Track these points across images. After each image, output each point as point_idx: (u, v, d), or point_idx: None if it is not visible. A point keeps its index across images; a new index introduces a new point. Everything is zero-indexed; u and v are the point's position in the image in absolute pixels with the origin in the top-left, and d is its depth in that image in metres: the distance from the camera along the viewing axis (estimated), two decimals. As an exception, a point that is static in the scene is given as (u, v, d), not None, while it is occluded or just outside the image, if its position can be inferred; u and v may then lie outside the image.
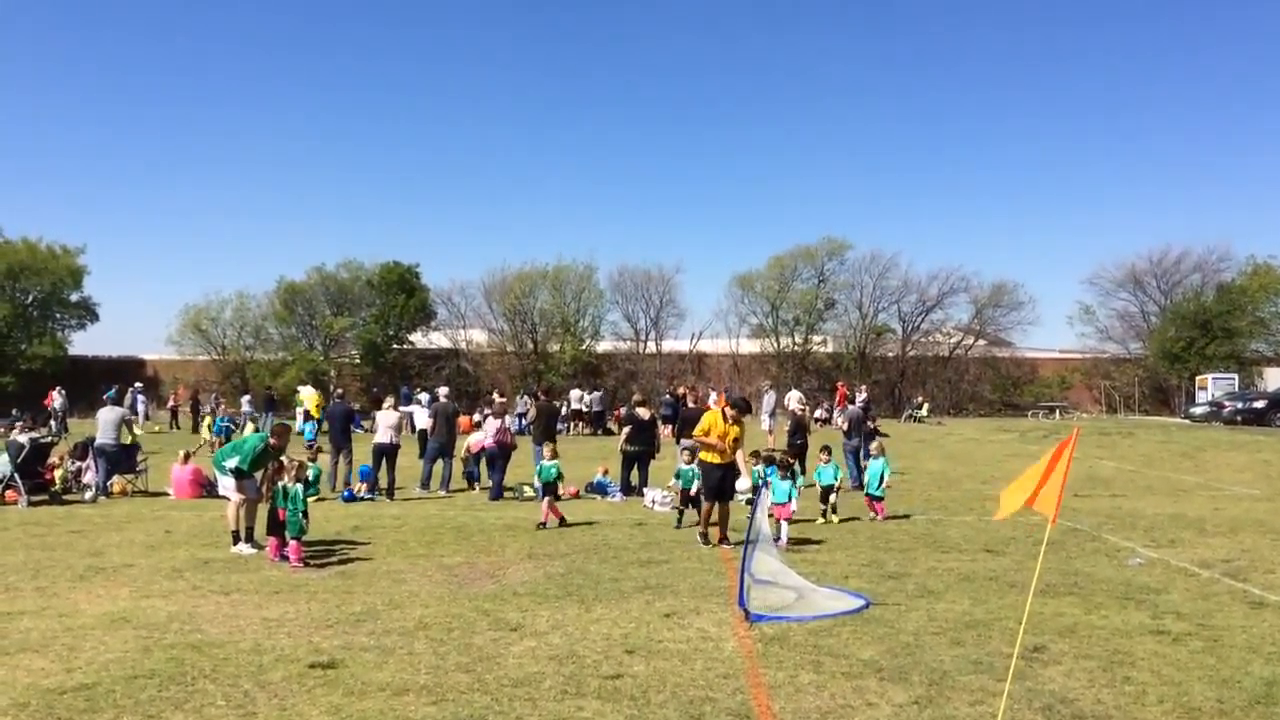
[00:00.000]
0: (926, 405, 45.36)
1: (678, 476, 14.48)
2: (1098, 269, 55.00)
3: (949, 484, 19.24)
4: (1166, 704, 6.32)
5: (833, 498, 14.40)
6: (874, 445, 15.71)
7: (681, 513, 14.02)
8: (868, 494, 14.85)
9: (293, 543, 11.04)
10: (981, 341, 53.41)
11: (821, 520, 14.10)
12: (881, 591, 9.58)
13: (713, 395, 33.55)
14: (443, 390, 23.53)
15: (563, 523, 13.77)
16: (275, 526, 11.29)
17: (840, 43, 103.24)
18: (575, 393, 37.14)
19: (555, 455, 14.64)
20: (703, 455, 12.48)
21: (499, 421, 18.49)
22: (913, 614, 8.67)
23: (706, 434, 12.34)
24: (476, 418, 20.73)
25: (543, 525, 13.64)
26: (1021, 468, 21.98)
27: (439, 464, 18.53)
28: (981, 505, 16.03)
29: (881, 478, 14.67)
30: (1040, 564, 5.92)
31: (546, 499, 13.94)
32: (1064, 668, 7.08)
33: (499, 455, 17.84)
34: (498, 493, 17.39)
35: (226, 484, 12.43)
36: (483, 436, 19.00)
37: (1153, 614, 8.68)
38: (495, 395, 23.91)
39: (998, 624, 8.30)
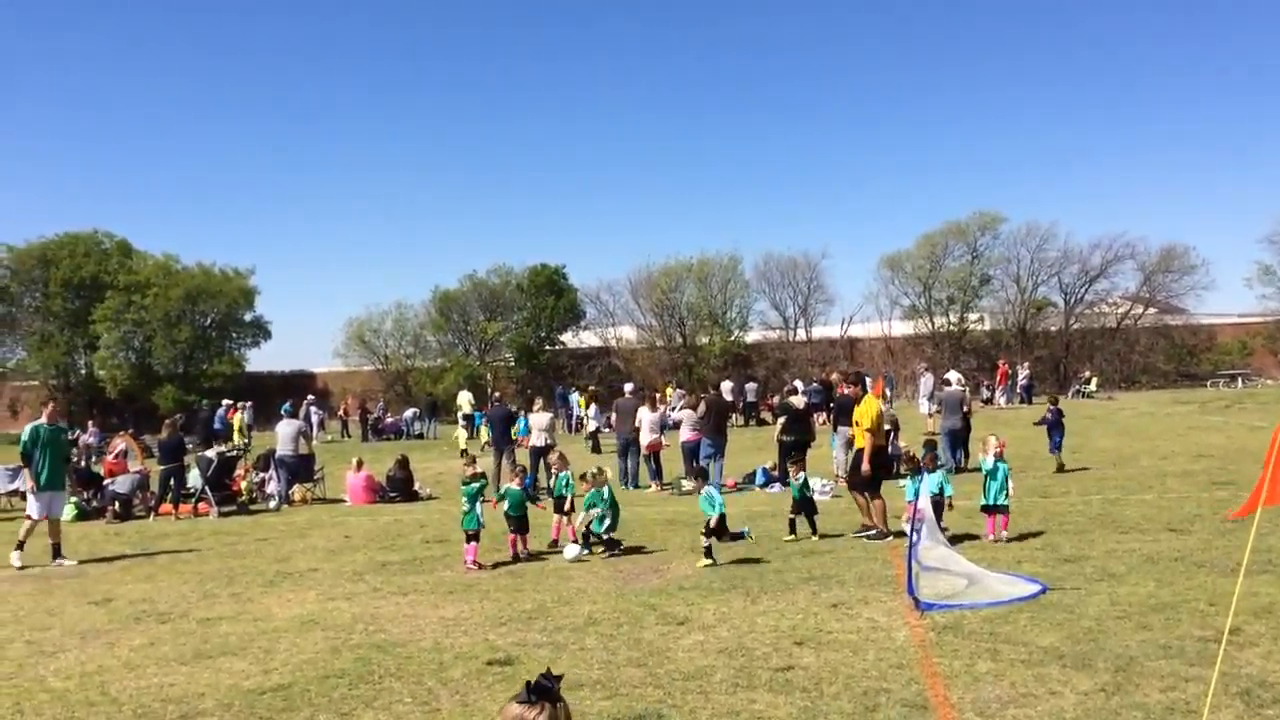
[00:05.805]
0: (1095, 380, 43.49)
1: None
2: (1277, 225, 51.40)
3: (1124, 461, 18.38)
4: (1382, 688, 5.91)
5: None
6: (993, 443, 11.66)
7: (709, 548, 10.89)
8: (984, 506, 11.53)
9: (469, 545, 11.32)
10: (1152, 310, 50.76)
11: None
12: (1058, 576, 9.26)
13: (867, 379, 32.95)
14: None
15: (554, 544, 12.28)
16: (517, 523, 11.77)
17: (980, 3, 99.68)
18: (726, 384, 37.02)
19: (566, 464, 13.23)
20: (859, 443, 12.26)
21: (695, 413, 17.98)
22: (1094, 598, 8.35)
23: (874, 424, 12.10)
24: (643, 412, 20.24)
25: (554, 543, 12.33)
26: (1203, 440, 21.00)
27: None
28: (1161, 482, 15.26)
29: (1005, 484, 11.37)
30: (1250, 544, 5.57)
31: (558, 517, 12.55)
32: (1261, 649, 6.70)
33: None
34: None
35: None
36: (654, 438, 18.89)
37: (1360, 592, 8.11)
38: (669, 390, 23.87)
39: (1186, 606, 7.92)
